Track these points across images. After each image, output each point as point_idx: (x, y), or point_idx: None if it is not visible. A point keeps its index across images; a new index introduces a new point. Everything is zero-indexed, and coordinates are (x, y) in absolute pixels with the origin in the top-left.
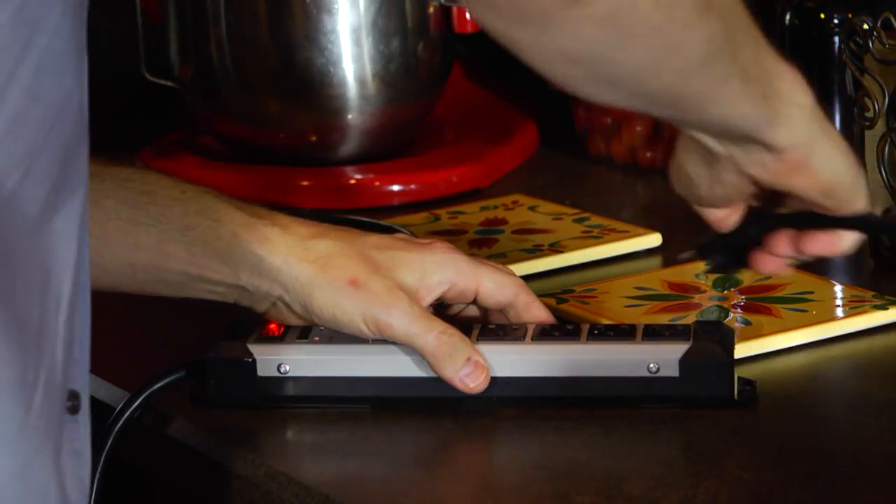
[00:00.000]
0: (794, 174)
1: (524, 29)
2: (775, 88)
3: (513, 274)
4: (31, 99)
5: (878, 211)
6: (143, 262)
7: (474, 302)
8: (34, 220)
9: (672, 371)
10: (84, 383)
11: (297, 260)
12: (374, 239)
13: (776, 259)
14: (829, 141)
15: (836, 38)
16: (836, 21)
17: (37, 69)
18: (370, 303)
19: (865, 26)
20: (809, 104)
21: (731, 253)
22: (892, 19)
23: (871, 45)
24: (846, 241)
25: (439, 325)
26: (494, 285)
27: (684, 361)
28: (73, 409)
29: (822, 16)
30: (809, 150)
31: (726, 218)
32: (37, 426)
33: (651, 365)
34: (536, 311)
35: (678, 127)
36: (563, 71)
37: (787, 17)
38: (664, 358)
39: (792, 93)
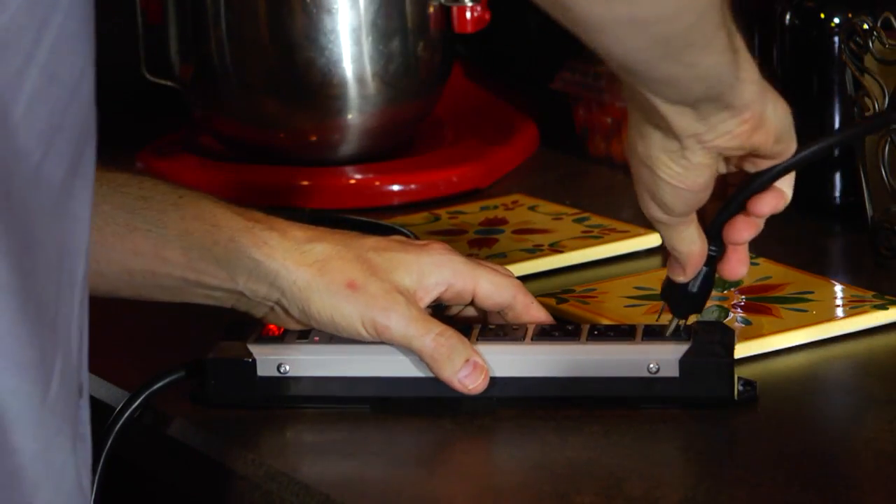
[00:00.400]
0: (756, 132)
1: None
2: (738, 43)
3: (511, 275)
4: (48, 79)
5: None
6: (141, 267)
7: (472, 304)
8: (54, 200)
9: (672, 371)
10: (85, 368)
11: (294, 264)
12: (371, 241)
13: (741, 254)
14: (770, 91)
15: (836, 38)
16: (836, 21)
17: (52, 49)
18: (368, 306)
19: (865, 26)
20: (749, 56)
21: (699, 288)
22: (892, 19)
23: (871, 45)
24: (786, 190)
25: (437, 327)
26: (492, 286)
27: (684, 362)
28: (78, 393)
29: (822, 16)
30: (763, 104)
31: (696, 245)
32: (54, 408)
33: (651, 365)
34: (535, 313)
35: (664, 99)
36: (599, 10)
37: (787, 17)
38: (664, 358)
39: (743, 47)
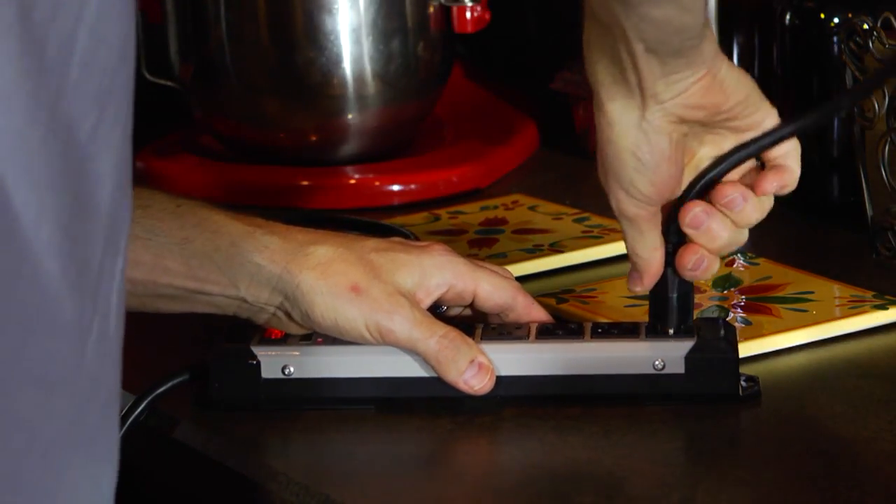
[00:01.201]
0: (710, 91)
1: None
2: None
3: (511, 277)
4: (97, 40)
5: None
6: (142, 277)
7: (473, 305)
8: (111, 165)
9: (677, 368)
10: (121, 335)
11: (297, 268)
12: (373, 242)
13: (695, 247)
14: (725, 58)
15: (836, 38)
16: (836, 21)
17: (99, 9)
18: (372, 309)
19: (865, 26)
20: None
21: (678, 290)
22: (892, 19)
23: (871, 45)
24: (792, 164)
25: (441, 329)
26: (492, 287)
27: (690, 358)
28: (115, 363)
29: (822, 16)
30: (718, 65)
31: (657, 251)
32: (90, 373)
33: (657, 362)
34: (536, 314)
35: (641, 48)
36: None
37: (787, 17)
38: (670, 355)
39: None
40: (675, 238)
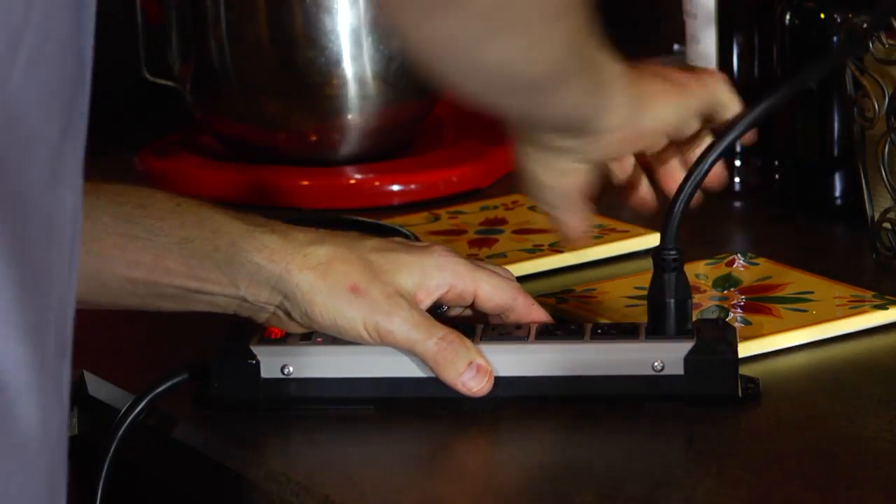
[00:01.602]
0: (637, 142)
1: (414, 16)
2: (603, 78)
3: (511, 277)
4: (44, 38)
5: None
6: (143, 277)
7: (473, 306)
8: (48, 163)
9: (677, 369)
10: (70, 328)
11: (297, 267)
12: (373, 242)
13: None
14: (650, 100)
15: (836, 38)
16: (836, 21)
17: (47, 9)
18: (371, 310)
19: (865, 26)
20: (625, 83)
21: (676, 295)
22: (893, 19)
23: (871, 45)
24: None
25: (440, 331)
26: (492, 288)
27: (689, 359)
28: (63, 354)
29: (822, 16)
30: (638, 118)
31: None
32: (50, 373)
33: (656, 363)
34: (536, 314)
35: (526, 127)
36: (435, 58)
37: (787, 17)
38: (669, 356)
39: (613, 80)
40: (671, 244)
